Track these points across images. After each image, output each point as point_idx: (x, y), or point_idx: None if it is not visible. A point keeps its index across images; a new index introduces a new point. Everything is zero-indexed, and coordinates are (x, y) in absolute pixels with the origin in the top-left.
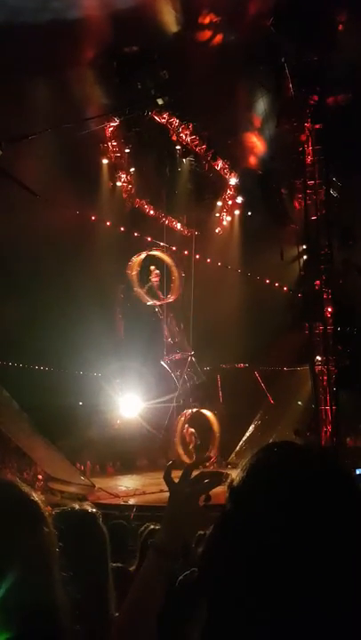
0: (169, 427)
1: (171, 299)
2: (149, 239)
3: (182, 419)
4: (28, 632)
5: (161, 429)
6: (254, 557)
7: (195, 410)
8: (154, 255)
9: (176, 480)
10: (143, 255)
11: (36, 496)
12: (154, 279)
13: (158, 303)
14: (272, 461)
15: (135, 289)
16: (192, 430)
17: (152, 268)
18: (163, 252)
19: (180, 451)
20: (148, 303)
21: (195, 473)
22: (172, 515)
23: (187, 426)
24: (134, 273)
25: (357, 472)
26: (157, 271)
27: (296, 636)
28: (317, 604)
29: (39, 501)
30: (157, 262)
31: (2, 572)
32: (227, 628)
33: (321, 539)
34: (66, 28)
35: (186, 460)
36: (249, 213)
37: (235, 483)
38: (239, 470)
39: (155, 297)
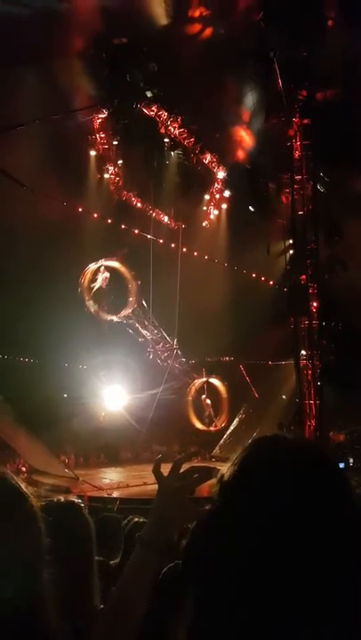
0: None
1: (124, 314)
2: (136, 231)
3: (193, 388)
4: (13, 623)
5: (144, 423)
6: (244, 553)
7: (203, 379)
8: (109, 266)
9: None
10: (95, 266)
11: (27, 489)
12: (101, 282)
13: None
14: (264, 456)
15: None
16: (208, 401)
17: (101, 268)
18: (119, 261)
19: (195, 420)
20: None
21: (184, 467)
22: (161, 509)
23: (204, 396)
24: (86, 283)
25: (341, 466)
26: (106, 274)
27: (286, 634)
28: (309, 602)
29: (31, 495)
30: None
31: None
32: (213, 625)
33: (313, 536)
34: (55, 18)
35: (201, 427)
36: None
37: (225, 477)
38: (230, 465)
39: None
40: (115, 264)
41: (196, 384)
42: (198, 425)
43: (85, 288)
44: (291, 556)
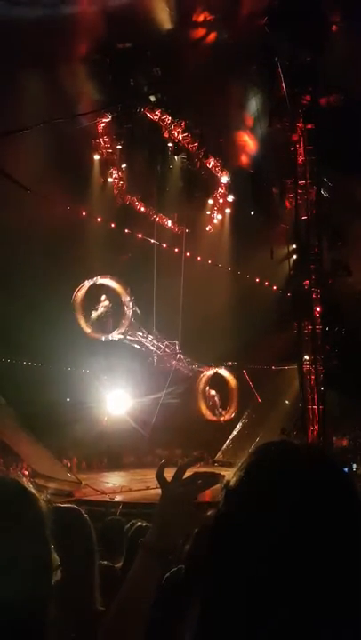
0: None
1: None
2: (140, 236)
3: (203, 379)
4: (18, 625)
5: (148, 427)
6: (250, 558)
7: (213, 371)
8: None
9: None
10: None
11: (37, 493)
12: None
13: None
14: (269, 462)
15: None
16: (213, 392)
17: (102, 297)
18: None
19: (204, 410)
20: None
21: (187, 473)
22: (164, 514)
23: (208, 387)
24: (79, 302)
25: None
26: (107, 302)
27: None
28: (318, 606)
29: (41, 500)
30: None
31: (3, 569)
32: (219, 630)
33: (320, 540)
34: (59, 23)
35: (210, 417)
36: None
37: (231, 483)
38: (236, 470)
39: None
40: (110, 282)
41: (206, 375)
42: (208, 415)
43: (79, 305)
44: (298, 561)
